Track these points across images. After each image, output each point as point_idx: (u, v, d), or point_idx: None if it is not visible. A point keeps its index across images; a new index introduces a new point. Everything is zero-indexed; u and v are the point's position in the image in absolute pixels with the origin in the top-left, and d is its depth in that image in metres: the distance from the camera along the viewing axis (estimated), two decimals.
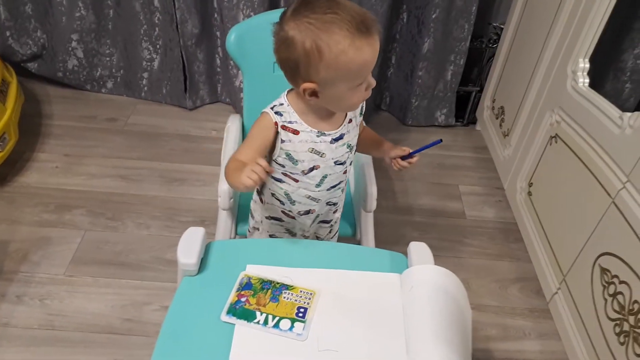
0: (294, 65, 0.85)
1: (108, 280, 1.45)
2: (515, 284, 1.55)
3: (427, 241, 1.65)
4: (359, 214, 1.31)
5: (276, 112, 0.93)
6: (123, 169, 1.83)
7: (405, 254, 1.00)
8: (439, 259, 1.31)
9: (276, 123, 0.93)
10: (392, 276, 0.94)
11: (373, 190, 1.23)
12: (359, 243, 1.31)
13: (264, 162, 0.86)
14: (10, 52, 2.07)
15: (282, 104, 0.94)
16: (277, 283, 0.89)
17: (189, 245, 0.90)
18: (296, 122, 0.94)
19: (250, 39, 1.27)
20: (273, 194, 1.04)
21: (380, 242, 1.62)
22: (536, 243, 1.55)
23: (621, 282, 1.13)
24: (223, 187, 1.17)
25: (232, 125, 1.37)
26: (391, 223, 1.71)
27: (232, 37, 1.27)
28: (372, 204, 1.24)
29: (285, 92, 0.96)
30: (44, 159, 1.84)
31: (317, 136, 0.95)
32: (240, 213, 1.31)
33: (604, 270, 1.19)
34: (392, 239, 1.66)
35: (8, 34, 2.04)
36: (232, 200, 1.20)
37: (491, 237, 1.71)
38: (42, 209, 1.64)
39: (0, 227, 1.57)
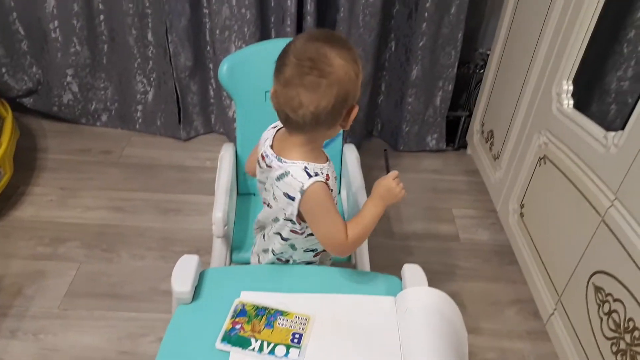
0: (345, 97, 0.85)
1: (103, 312, 1.44)
2: (512, 306, 1.55)
3: (422, 265, 1.65)
4: None
5: (316, 174, 0.89)
6: (118, 200, 1.84)
7: (400, 277, 1.01)
8: (434, 283, 1.31)
9: (326, 183, 0.91)
10: (386, 299, 0.94)
11: None
12: (354, 267, 1.32)
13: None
14: (6, 88, 2.10)
15: (306, 166, 0.90)
16: (272, 309, 0.89)
17: (183, 273, 0.91)
18: (321, 169, 0.92)
19: (242, 69, 1.30)
20: None
21: (375, 267, 1.62)
22: (531, 264, 1.56)
23: (615, 300, 1.13)
24: (217, 214, 1.17)
25: (226, 154, 1.38)
26: (386, 248, 1.72)
27: (224, 68, 1.30)
28: None
29: (278, 157, 0.92)
30: (39, 193, 1.85)
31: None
32: (234, 240, 1.31)
33: (597, 289, 1.20)
34: (387, 263, 1.65)
35: (4, 70, 2.07)
36: (226, 227, 1.20)
37: (486, 259, 1.71)
38: (36, 243, 1.64)
39: None
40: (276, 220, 0.99)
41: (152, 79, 2.07)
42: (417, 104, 2.07)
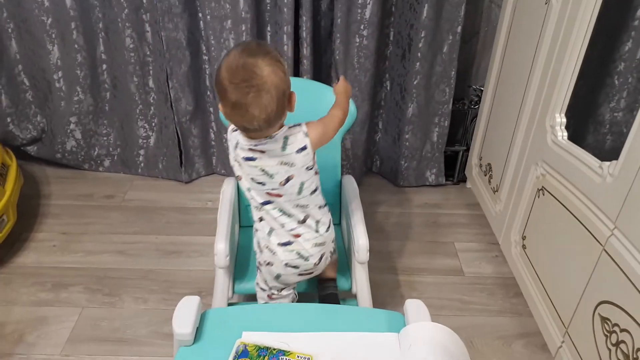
0: (283, 93, 0.99)
1: (105, 357, 1.42)
2: (520, 340, 1.53)
3: (427, 301, 1.64)
4: (353, 267, 1.34)
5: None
6: (120, 244, 1.85)
7: (403, 313, 1.00)
8: (440, 319, 1.30)
9: None
10: (389, 336, 0.93)
11: (363, 242, 1.25)
12: (355, 297, 1.33)
13: None
14: (10, 137, 2.14)
15: (286, 125, 1.07)
16: (274, 349, 0.88)
17: (184, 315, 0.91)
18: None
19: None
20: None
21: (378, 304, 1.61)
22: (536, 296, 1.54)
23: (622, 330, 1.12)
24: (219, 245, 1.21)
25: (227, 188, 1.43)
26: (389, 284, 1.71)
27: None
28: (364, 255, 1.26)
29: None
30: (41, 239, 1.86)
31: None
32: (237, 271, 1.35)
33: (604, 320, 1.19)
34: (390, 300, 1.65)
35: (9, 120, 2.12)
36: (228, 258, 1.22)
37: (491, 293, 1.70)
38: (38, 289, 1.64)
39: None
40: (301, 189, 1.09)
41: (153, 123, 2.11)
42: (415, 140, 2.10)
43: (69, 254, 1.79)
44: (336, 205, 1.54)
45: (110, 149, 2.21)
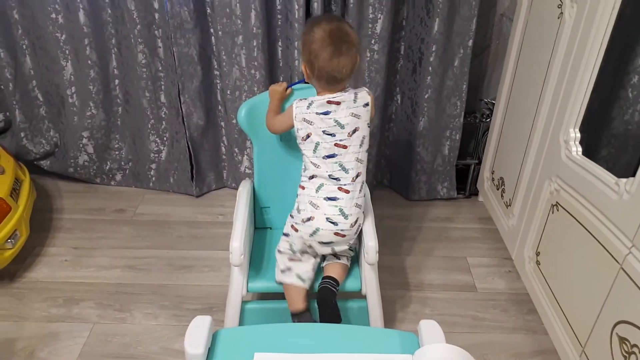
0: (358, 52, 1.28)
1: None
2: (534, 358, 1.50)
3: (439, 317, 1.63)
4: (363, 268, 1.40)
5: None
6: (131, 259, 1.85)
7: (417, 332, 0.99)
8: (452, 336, 1.28)
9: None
10: (403, 357, 0.92)
11: (372, 243, 1.32)
12: (365, 297, 1.39)
13: None
14: (24, 152, 2.16)
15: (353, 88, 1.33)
16: None
17: (196, 336, 0.90)
18: None
19: (258, 112, 1.44)
20: None
21: (391, 321, 1.60)
22: (550, 314, 1.52)
23: None
24: (235, 244, 1.27)
25: (244, 190, 1.51)
26: (402, 300, 1.69)
27: (242, 112, 1.46)
28: (373, 256, 1.32)
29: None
30: (53, 253, 1.87)
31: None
32: (251, 270, 1.41)
33: (622, 340, 1.16)
34: (404, 316, 1.63)
35: (22, 135, 2.14)
36: (242, 256, 1.28)
37: (504, 309, 1.67)
38: (50, 304, 1.64)
39: (8, 324, 1.56)
40: (362, 142, 1.31)
41: (165, 138, 2.13)
42: (426, 153, 2.09)
43: (81, 269, 1.80)
44: None
45: (122, 163, 2.23)
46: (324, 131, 1.28)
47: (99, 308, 1.63)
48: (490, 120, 2.06)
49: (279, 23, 1.84)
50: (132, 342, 1.52)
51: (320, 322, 1.31)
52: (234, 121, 2.02)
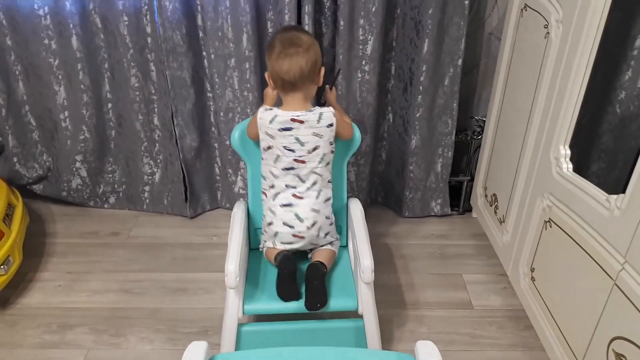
0: (316, 59, 1.34)
1: None
2: None
3: (436, 336, 1.63)
4: (359, 287, 1.39)
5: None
6: (125, 282, 1.84)
7: (413, 353, 0.99)
8: (449, 354, 1.27)
9: None
10: None
11: (367, 262, 1.32)
12: (361, 317, 1.39)
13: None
14: (17, 177, 2.15)
15: (318, 107, 1.40)
16: None
17: None
18: None
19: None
20: None
21: (388, 340, 1.59)
22: (547, 330, 1.52)
23: None
24: (230, 267, 1.27)
25: (238, 210, 1.53)
26: (398, 319, 1.69)
27: (236, 134, 1.50)
28: (369, 275, 1.32)
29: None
30: (47, 278, 1.85)
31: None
32: (247, 292, 1.41)
33: (618, 356, 1.16)
34: (400, 335, 1.63)
35: (15, 159, 2.14)
36: (238, 279, 1.28)
37: (501, 326, 1.67)
38: (44, 330, 1.62)
39: (1, 352, 1.54)
40: (322, 159, 1.38)
41: (158, 160, 2.13)
42: (419, 171, 2.11)
43: (75, 294, 1.78)
44: (343, 228, 1.61)
45: (116, 186, 2.22)
46: (284, 147, 1.37)
47: (93, 333, 1.62)
48: (482, 137, 2.08)
49: None
50: None
51: (306, 296, 1.34)
52: (227, 142, 2.03)
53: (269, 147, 1.39)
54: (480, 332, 1.65)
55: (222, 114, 1.97)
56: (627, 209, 1.12)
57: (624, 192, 1.14)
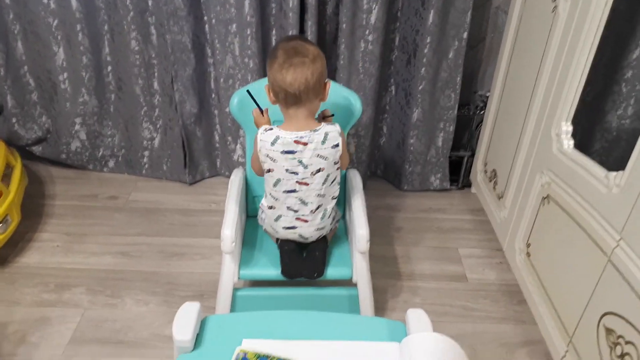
0: (322, 72, 1.21)
1: None
2: (523, 348, 1.52)
3: (429, 307, 1.65)
4: (354, 256, 1.40)
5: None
6: (123, 245, 1.85)
7: (405, 321, 1.00)
8: (442, 325, 1.29)
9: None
10: (390, 345, 0.93)
11: (362, 232, 1.33)
12: (355, 285, 1.40)
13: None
14: (15, 137, 2.15)
15: (324, 124, 1.27)
16: (274, 357, 0.88)
17: (184, 322, 0.90)
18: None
19: (250, 101, 1.41)
20: None
21: (381, 309, 1.61)
22: (540, 304, 1.53)
23: (627, 343, 1.11)
24: (226, 232, 1.28)
25: (236, 178, 1.52)
26: (393, 289, 1.70)
27: (234, 101, 1.48)
28: (364, 245, 1.33)
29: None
30: (45, 239, 1.86)
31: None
32: (243, 257, 1.43)
33: (609, 331, 1.17)
34: (394, 305, 1.64)
35: (14, 120, 2.13)
36: (234, 244, 1.29)
37: (494, 300, 1.69)
38: (41, 289, 1.64)
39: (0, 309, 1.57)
40: (325, 180, 1.29)
41: (158, 125, 2.12)
42: (419, 145, 2.10)
43: (72, 255, 1.80)
44: (341, 198, 1.60)
45: (115, 150, 2.22)
46: (287, 170, 1.27)
47: (90, 294, 1.64)
48: (484, 112, 2.06)
49: (273, 12, 1.83)
50: (122, 327, 1.53)
51: (306, 264, 1.37)
52: (227, 110, 2.01)
53: (270, 170, 1.29)
54: (473, 305, 1.66)
55: (222, 80, 1.95)
56: (625, 187, 1.12)
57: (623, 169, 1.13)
